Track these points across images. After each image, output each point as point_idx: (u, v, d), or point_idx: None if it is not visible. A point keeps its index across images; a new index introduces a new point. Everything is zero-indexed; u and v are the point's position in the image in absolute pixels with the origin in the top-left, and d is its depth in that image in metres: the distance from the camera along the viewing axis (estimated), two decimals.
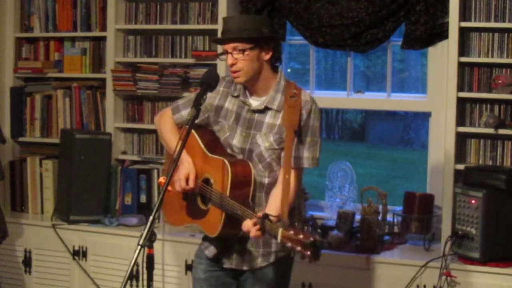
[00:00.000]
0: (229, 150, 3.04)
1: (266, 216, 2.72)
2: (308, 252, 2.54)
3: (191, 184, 2.98)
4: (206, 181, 3.00)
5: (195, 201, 3.03)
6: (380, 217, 4.11)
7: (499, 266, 3.66)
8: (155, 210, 2.67)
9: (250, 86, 3.02)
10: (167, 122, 3.18)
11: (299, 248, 2.57)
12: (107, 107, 4.75)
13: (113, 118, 4.72)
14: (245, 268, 3.04)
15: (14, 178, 4.88)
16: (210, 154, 2.99)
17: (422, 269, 3.77)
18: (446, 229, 3.93)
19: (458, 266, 3.72)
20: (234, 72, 2.95)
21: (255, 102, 3.02)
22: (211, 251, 3.07)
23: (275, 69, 3.03)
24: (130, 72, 4.65)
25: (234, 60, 2.93)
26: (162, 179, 2.94)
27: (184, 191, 3.02)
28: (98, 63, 4.84)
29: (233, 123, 3.04)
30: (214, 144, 3.05)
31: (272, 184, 2.99)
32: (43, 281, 4.56)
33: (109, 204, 4.61)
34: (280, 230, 2.63)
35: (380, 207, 4.14)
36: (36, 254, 4.57)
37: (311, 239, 2.54)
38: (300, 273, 3.94)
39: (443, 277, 3.69)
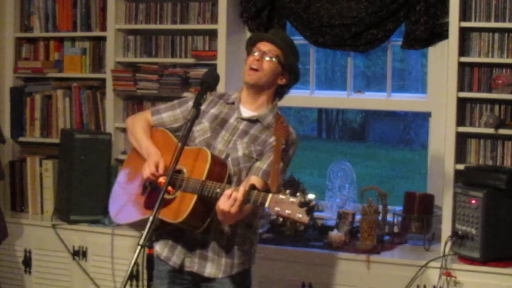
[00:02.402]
0: None
1: (253, 186, 2.71)
2: (300, 215, 2.54)
3: (161, 170, 2.92)
4: (177, 172, 2.94)
5: (158, 192, 2.88)
6: (380, 217, 4.11)
7: (499, 266, 3.66)
8: (155, 210, 2.67)
9: (249, 98, 3.04)
10: (140, 121, 3.16)
11: (288, 211, 2.57)
12: (107, 107, 4.75)
13: (113, 118, 4.72)
14: (206, 274, 3.00)
15: (14, 178, 4.88)
16: (187, 147, 2.93)
17: (422, 269, 3.77)
18: (446, 229, 3.93)
19: (458, 266, 3.72)
20: (253, 70, 2.98)
21: (246, 114, 3.05)
22: (174, 261, 3.03)
23: (274, 98, 3.08)
24: (130, 72, 4.65)
25: (261, 59, 2.98)
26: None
27: (152, 178, 2.94)
28: (98, 63, 4.84)
29: (217, 125, 3.04)
30: (189, 142, 3.02)
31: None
32: (43, 281, 4.56)
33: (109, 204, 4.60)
34: (270, 195, 2.63)
35: (380, 207, 4.14)
36: (36, 254, 4.57)
37: (305, 198, 2.55)
38: (300, 273, 3.94)
39: (443, 277, 3.69)
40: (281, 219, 2.64)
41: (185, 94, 4.51)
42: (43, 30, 4.95)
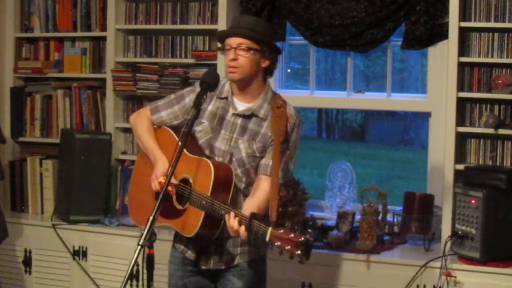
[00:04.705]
0: (208, 152, 3.04)
1: (254, 215, 2.73)
2: (299, 251, 2.57)
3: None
4: (184, 181, 2.98)
5: (169, 200, 2.97)
6: (380, 217, 4.11)
7: (499, 266, 3.66)
8: (155, 210, 2.67)
9: (240, 90, 3.04)
10: (143, 122, 3.17)
11: (288, 247, 2.59)
12: (107, 107, 4.75)
13: (113, 118, 4.72)
14: (223, 267, 3.06)
15: (14, 178, 4.88)
16: (190, 154, 2.97)
17: (422, 269, 3.77)
18: (446, 229, 3.93)
19: (458, 266, 3.72)
20: (232, 67, 2.96)
21: (241, 107, 3.04)
22: (190, 254, 3.09)
23: (264, 80, 3.08)
24: (130, 72, 4.65)
25: (236, 56, 2.96)
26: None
27: (159, 191, 2.94)
28: (98, 63, 4.84)
29: (217, 125, 3.05)
30: (193, 145, 3.03)
31: (249, 190, 3.01)
32: (43, 281, 4.56)
33: (109, 204, 4.61)
34: (270, 229, 2.65)
35: (380, 207, 4.14)
36: (36, 254, 4.56)
37: (303, 238, 2.57)
38: (300, 273, 3.94)
39: (443, 277, 3.69)
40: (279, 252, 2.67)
41: None
42: (43, 30, 4.95)
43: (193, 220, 2.90)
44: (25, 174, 4.84)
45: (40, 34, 4.96)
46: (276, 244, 2.62)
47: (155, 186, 2.97)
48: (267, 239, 2.65)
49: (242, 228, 2.74)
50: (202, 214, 2.86)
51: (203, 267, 3.06)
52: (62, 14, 4.88)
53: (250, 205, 2.88)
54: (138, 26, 4.72)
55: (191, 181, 2.95)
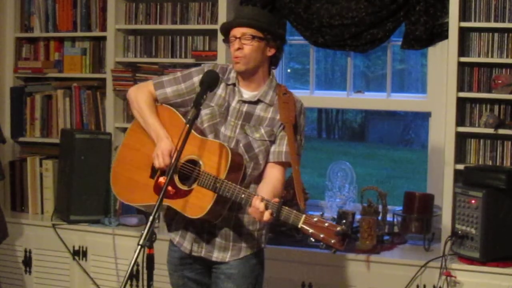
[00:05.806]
0: (212, 136, 3.01)
1: (284, 202, 2.72)
2: (334, 240, 2.61)
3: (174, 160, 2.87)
4: (192, 162, 2.94)
5: (170, 180, 2.86)
6: (380, 217, 4.11)
7: (499, 266, 3.66)
8: (155, 210, 2.67)
9: (245, 79, 3.04)
10: (145, 96, 3.10)
11: (323, 235, 2.62)
12: (107, 107, 4.75)
13: (113, 118, 4.73)
14: (213, 258, 3.03)
15: (14, 178, 4.88)
16: (198, 136, 2.95)
17: (422, 269, 3.77)
18: (446, 229, 3.93)
19: (458, 266, 3.72)
20: (237, 57, 2.97)
21: (246, 95, 3.05)
22: (185, 246, 3.07)
23: (269, 70, 3.09)
24: (130, 72, 4.65)
25: (241, 45, 2.96)
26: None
27: (164, 168, 2.93)
28: (98, 63, 4.85)
29: (225, 110, 3.04)
30: (197, 127, 3.01)
31: (254, 176, 3.01)
32: (43, 281, 4.56)
33: (109, 204, 4.61)
34: (304, 216, 2.66)
35: (380, 207, 4.14)
36: (36, 254, 4.57)
37: (339, 228, 2.61)
38: (300, 273, 3.95)
39: (443, 277, 3.69)
40: (312, 239, 2.67)
41: None
42: (43, 30, 4.95)
43: (201, 202, 2.86)
44: (25, 174, 4.84)
45: (40, 34, 4.96)
46: (310, 231, 2.64)
47: (159, 163, 2.94)
48: (299, 225, 2.66)
49: (268, 212, 2.72)
50: (214, 196, 2.84)
51: (194, 254, 3.05)
52: (62, 14, 4.89)
53: (265, 192, 2.86)
54: (138, 26, 4.72)
55: (200, 162, 2.92)
